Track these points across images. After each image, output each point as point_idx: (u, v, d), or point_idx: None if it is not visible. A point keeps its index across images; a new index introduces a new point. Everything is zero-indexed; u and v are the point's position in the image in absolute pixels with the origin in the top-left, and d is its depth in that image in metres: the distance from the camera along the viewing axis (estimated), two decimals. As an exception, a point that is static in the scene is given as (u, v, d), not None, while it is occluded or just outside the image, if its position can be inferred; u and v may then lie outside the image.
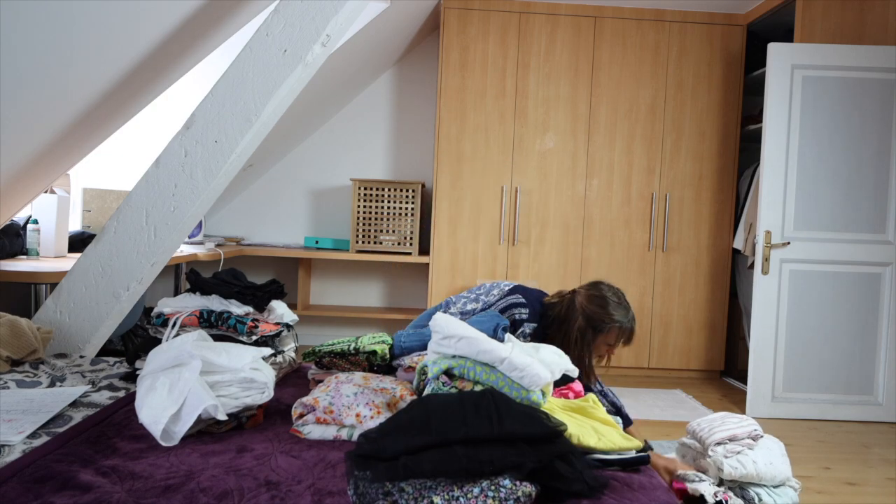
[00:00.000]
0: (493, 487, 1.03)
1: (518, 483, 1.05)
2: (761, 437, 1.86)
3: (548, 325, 2.28)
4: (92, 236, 3.25)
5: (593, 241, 4.53)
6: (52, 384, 1.70)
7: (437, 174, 4.49)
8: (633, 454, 1.36)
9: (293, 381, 1.97)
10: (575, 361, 2.07)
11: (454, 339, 1.39)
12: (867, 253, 3.73)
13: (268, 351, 1.72)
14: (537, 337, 2.25)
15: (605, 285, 2.32)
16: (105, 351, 2.45)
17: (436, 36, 4.91)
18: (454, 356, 1.42)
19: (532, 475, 1.08)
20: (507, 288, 2.35)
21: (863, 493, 2.74)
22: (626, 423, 2.33)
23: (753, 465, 1.74)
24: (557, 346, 2.02)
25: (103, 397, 1.61)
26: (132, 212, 2.21)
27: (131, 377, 1.78)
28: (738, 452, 1.76)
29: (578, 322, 2.22)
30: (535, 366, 1.34)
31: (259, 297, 2.01)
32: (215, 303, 1.94)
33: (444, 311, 2.31)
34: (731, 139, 4.52)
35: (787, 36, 4.23)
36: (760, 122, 4.14)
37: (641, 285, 4.54)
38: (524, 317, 2.22)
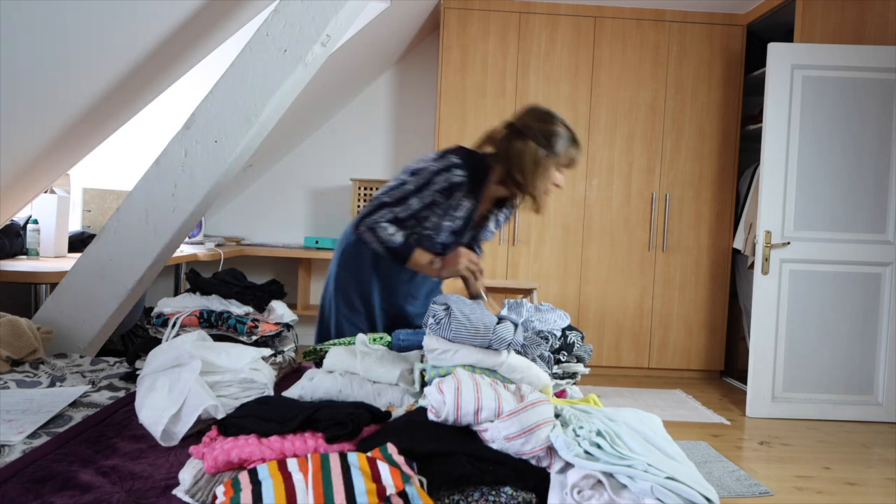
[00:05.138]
0: (493, 492, 1.04)
1: (518, 490, 1.05)
2: None
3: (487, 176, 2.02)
4: (92, 236, 3.24)
5: (593, 241, 4.53)
6: (52, 384, 1.69)
7: (437, 174, 4.49)
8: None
9: (293, 381, 1.97)
10: (534, 194, 1.96)
11: (451, 352, 1.37)
12: (867, 253, 3.73)
13: (268, 351, 1.73)
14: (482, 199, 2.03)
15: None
16: (105, 351, 2.45)
17: (436, 36, 4.91)
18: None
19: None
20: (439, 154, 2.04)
21: (863, 493, 2.74)
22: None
23: None
24: (513, 190, 1.97)
25: (103, 397, 1.61)
26: (132, 212, 2.20)
27: (131, 377, 1.78)
28: None
29: (529, 146, 1.94)
30: (534, 367, 1.35)
31: (259, 297, 2.01)
32: (215, 303, 1.94)
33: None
34: (731, 139, 4.52)
35: (787, 36, 4.23)
36: (760, 122, 4.14)
37: (641, 285, 4.54)
38: (460, 178, 1.95)
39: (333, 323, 2.17)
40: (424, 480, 1.01)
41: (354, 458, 1.00)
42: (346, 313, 2.17)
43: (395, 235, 2.01)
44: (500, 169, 2.01)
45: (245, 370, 1.51)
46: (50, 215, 2.99)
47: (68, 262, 2.77)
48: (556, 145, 1.96)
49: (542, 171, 1.96)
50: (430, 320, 1.40)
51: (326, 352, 1.84)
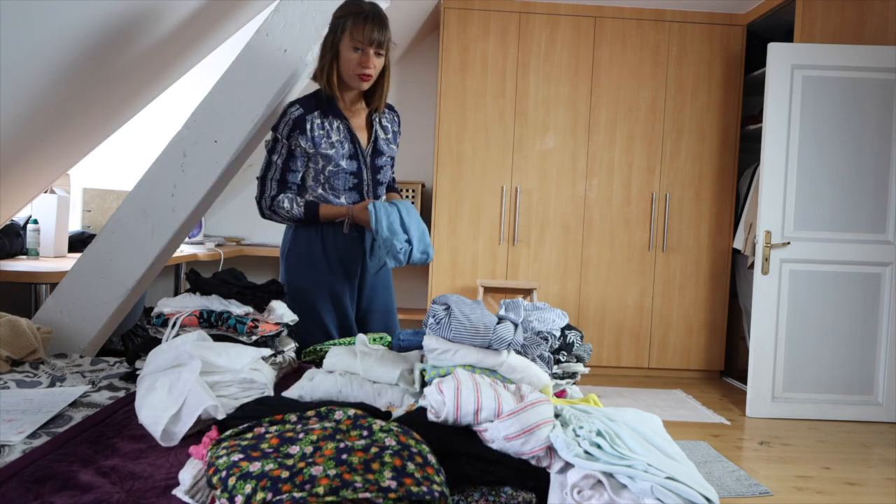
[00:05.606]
0: (493, 492, 1.04)
1: (518, 490, 1.05)
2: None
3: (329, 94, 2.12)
4: (92, 236, 3.24)
5: (593, 241, 4.53)
6: (52, 384, 1.69)
7: (437, 174, 4.49)
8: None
9: (293, 381, 1.96)
10: (324, 78, 2.08)
11: (451, 352, 1.37)
12: (867, 253, 3.73)
13: (267, 351, 1.72)
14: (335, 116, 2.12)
15: None
16: (105, 351, 2.45)
17: (436, 36, 4.91)
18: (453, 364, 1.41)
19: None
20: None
21: (863, 493, 2.74)
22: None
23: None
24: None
25: (103, 397, 1.61)
26: (131, 212, 2.20)
27: (131, 377, 1.78)
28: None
29: (325, 40, 2.09)
30: (534, 367, 1.35)
31: (259, 297, 2.01)
32: (215, 303, 1.93)
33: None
34: (731, 139, 4.53)
35: (787, 36, 4.24)
36: (760, 122, 4.14)
37: (641, 285, 4.54)
38: (297, 111, 2.08)
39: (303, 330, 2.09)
40: (424, 480, 1.01)
41: (354, 458, 1.00)
42: (310, 316, 2.14)
43: (294, 208, 2.12)
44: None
45: (245, 370, 1.50)
46: (50, 215, 2.99)
47: (68, 262, 2.77)
48: (338, 27, 2.05)
49: (336, 56, 2.07)
50: (430, 320, 1.40)
51: (326, 352, 1.84)
